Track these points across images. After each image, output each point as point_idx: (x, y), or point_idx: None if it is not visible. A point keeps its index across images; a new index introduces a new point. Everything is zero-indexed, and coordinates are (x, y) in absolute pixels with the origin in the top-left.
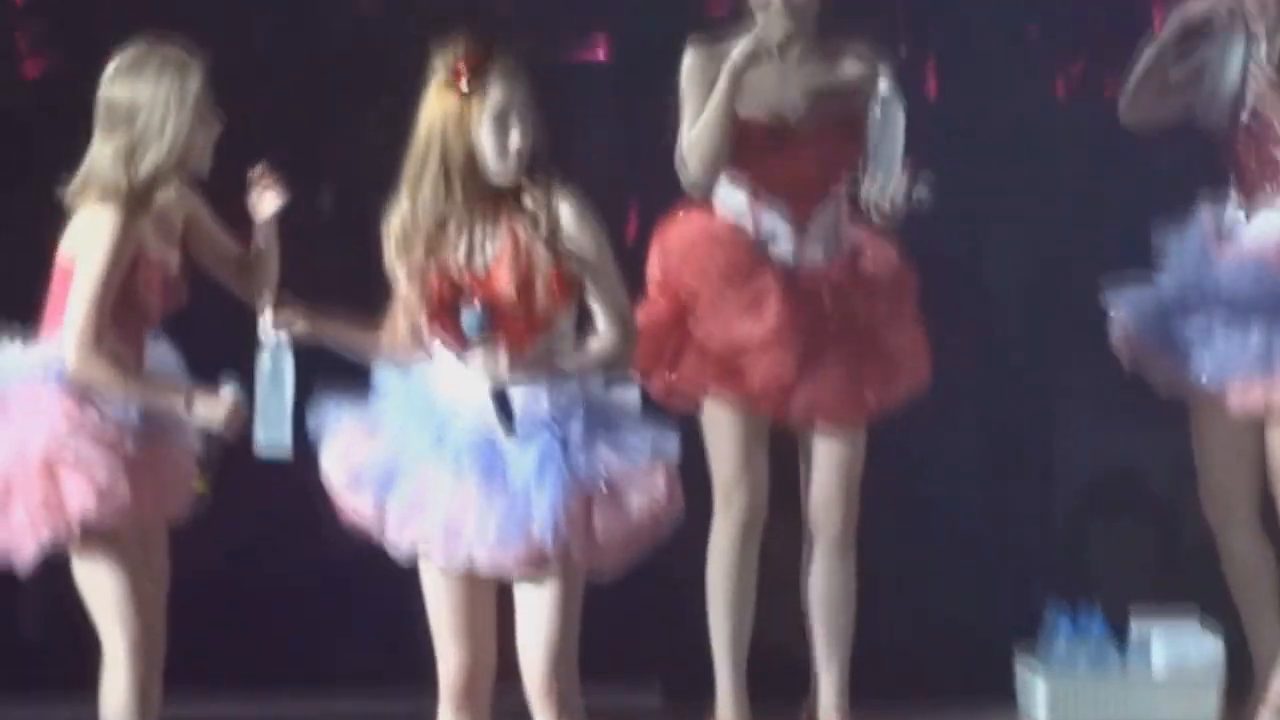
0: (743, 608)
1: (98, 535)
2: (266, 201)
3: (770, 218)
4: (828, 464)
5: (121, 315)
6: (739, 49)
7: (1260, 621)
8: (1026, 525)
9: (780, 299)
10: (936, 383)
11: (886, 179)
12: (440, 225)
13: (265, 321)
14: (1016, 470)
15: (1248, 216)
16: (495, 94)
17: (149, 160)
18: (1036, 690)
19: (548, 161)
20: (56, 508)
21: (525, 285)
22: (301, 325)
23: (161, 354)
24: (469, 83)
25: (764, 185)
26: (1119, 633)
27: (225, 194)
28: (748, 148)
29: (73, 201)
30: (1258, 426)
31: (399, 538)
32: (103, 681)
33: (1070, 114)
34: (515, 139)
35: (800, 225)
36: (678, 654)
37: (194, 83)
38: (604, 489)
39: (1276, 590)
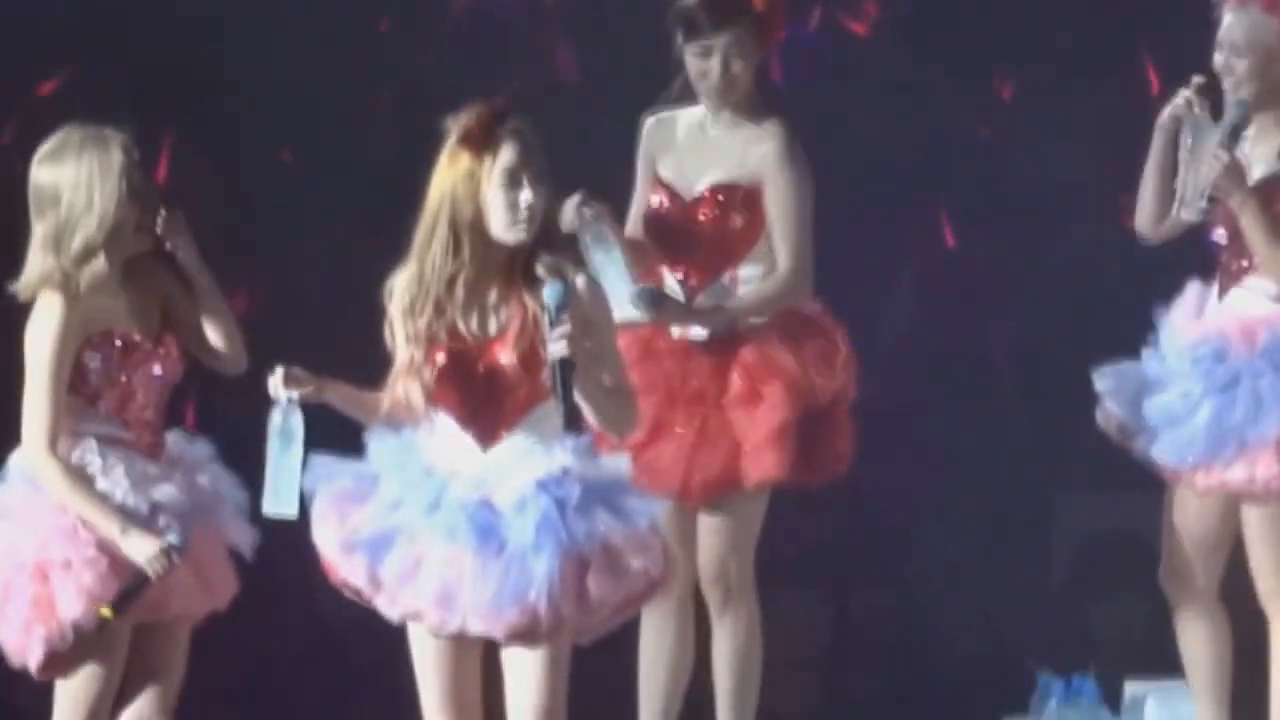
0: (656, 670)
1: (88, 636)
2: (172, 232)
3: (670, 280)
4: (704, 531)
5: (108, 398)
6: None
7: (1208, 699)
8: (1019, 594)
9: (634, 360)
10: (929, 448)
11: None
12: (449, 286)
13: (276, 381)
14: (1009, 537)
15: (1220, 295)
16: (507, 152)
17: (79, 238)
18: None
19: (560, 232)
20: (48, 611)
21: (530, 355)
22: (310, 387)
23: (196, 449)
24: (482, 140)
25: (664, 249)
26: (1112, 699)
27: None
28: (656, 212)
29: (25, 296)
30: (1227, 506)
31: (391, 603)
32: None
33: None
34: (526, 196)
35: (691, 293)
36: None
37: (117, 156)
38: (602, 552)
39: (1226, 673)
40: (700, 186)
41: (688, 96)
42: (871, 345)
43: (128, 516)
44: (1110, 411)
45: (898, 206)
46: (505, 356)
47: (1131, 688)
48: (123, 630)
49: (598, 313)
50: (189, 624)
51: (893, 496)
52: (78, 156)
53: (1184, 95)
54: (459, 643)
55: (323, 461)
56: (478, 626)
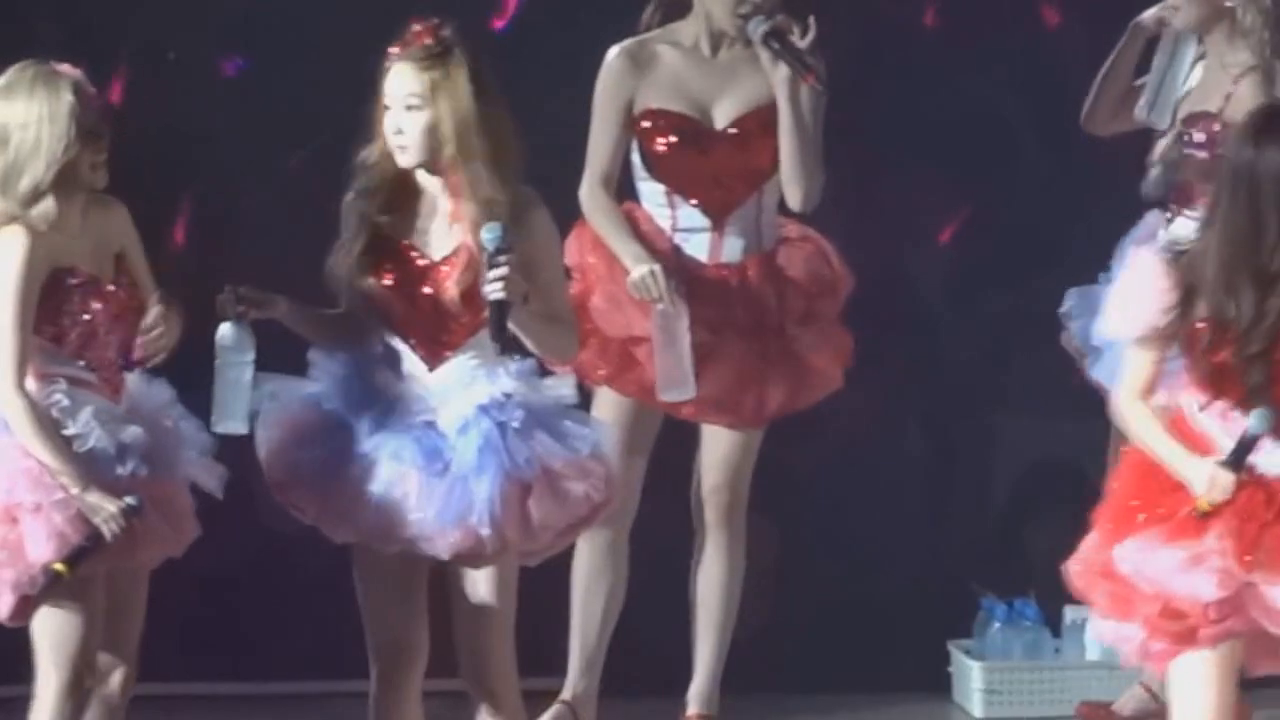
0: (594, 597)
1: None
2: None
3: (687, 213)
4: (715, 454)
5: (71, 338)
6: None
7: None
8: (962, 520)
9: (682, 294)
10: (870, 376)
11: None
12: (401, 182)
13: (224, 299)
14: (951, 463)
15: (1169, 221)
16: (390, 78)
17: (27, 179)
18: (971, 678)
19: (509, 161)
20: (17, 554)
21: (473, 290)
22: (259, 304)
23: (156, 391)
24: (386, 65)
25: (683, 181)
26: (1052, 619)
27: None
28: (670, 144)
29: None
30: None
31: (334, 523)
32: (30, 713)
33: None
34: (390, 122)
35: (717, 222)
36: (614, 645)
37: (67, 96)
38: (543, 476)
39: None
40: (726, 112)
41: (666, 23)
42: None
43: (89, 472)
44: (1070, 337)
45: (832, 129)
46: (449, 287)
47: (1071, 612)
48: (97, 574)
49: (544, 243)
50: (150, 566)
51: (835, 422)
52: (28, 96)
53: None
54: (404, 563)
55: (268, 379)
56: (422, 547)
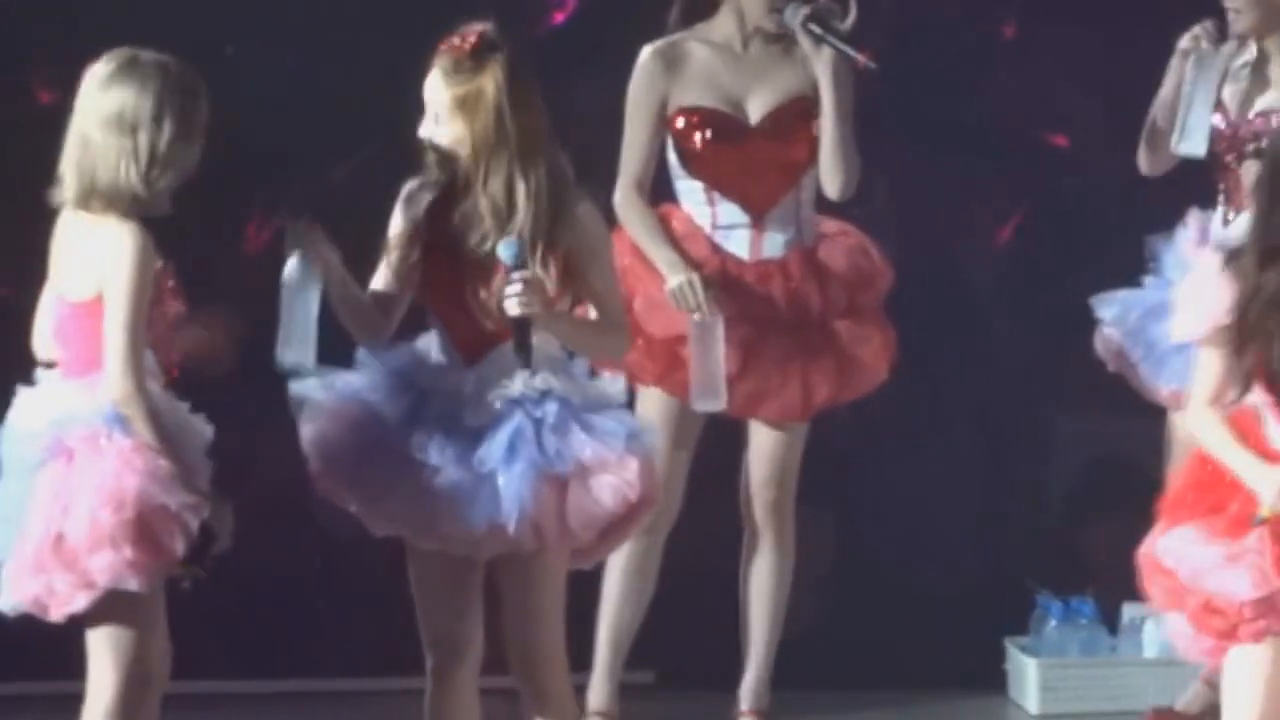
0: (626, 596)
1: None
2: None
3: (727, 209)
4: (761, 450)
5: (155, 332)
6: None
7: None
8: (1017, 515)
9: (726, 291)
10: (928, 373)
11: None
12: (450, 185)
13: (297, 231)
14: (1008, 460)
15: (1227, 222)
16: (430, 80)
17: (171, 174)
18: (1027, 675)
19: (562, 162)
20: (156, 555)
21: None
22: (323, 252)
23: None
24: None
25: (722, 177)
26: (1110, 619)
27: None
28: (705, 140)
29: (83, 205)
30: None
31: (373, 517)
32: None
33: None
34: (424, 127)
35: (757, 218)
36: (671, 640)
37: (198, 83)
38: (578, 473)
39: None
40: (760, 105)
41: (690, 23)
42: None
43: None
44: (1111, 338)
45: (888, 124)
46: (489, 287)
47: (1129, 610)
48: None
49: (591, 241)
50: None
51: (892, 418)
52: (161, 80)
53: (1196, 29)
54: (455, 560)
55: (320, 372)
56: (458, 547)
